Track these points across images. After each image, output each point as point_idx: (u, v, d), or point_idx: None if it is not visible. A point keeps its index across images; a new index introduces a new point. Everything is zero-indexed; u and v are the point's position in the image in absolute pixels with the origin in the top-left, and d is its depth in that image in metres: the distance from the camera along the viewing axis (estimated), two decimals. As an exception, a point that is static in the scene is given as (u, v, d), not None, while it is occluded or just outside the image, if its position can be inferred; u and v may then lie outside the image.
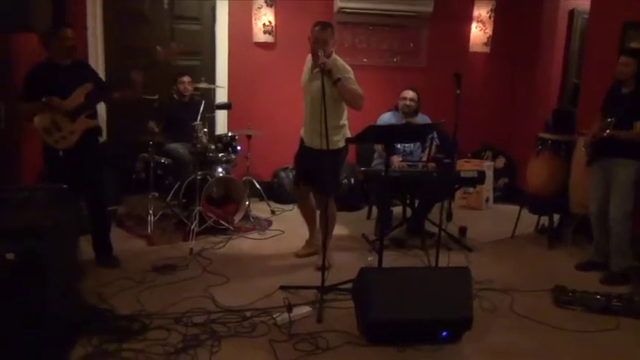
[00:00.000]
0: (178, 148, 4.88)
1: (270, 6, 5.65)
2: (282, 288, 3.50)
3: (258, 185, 5.36)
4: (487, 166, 5.79)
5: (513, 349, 2.94)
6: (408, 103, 4.69)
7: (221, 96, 5.70)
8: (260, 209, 5.29)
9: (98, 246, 3.83)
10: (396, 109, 4.84)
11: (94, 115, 3.76)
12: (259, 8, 5.65)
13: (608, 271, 3.91)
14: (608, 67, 4.03)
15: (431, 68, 6.00)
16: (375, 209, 5.22)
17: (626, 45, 4.44)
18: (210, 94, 5.62)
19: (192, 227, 4.32)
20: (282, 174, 5.70)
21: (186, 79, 5.07)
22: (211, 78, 5.64)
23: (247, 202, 4.92)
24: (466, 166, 5.50)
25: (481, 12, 6.08)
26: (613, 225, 3.84)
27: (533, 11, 5.98)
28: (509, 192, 6.07)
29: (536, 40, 5.99)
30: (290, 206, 5.42)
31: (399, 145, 4.73)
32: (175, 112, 5.02)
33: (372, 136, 3.49)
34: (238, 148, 4.93)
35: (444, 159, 4.56)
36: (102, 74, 5.43)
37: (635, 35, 4.43)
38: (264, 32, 5.70)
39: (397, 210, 5.03)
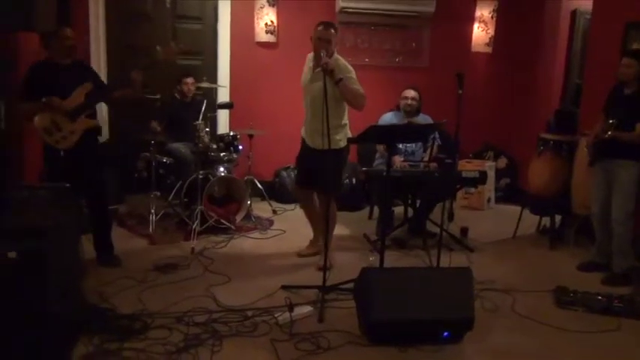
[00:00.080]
0: (180, 147, 4.89)
1: (273, 6, 5.66)
2: (284, 288, 3.50)
3: (259, 185, 5.36)
4: (489, 166, 5.78)
5: (515, 349, 2.94)
6: (409, 102, 4.69)
7: (223, 95, 5.71)
8: (261, 209, 5.30)
9: (99, 245, 3.83)
10: (397, 109, 4.84)
11: (93, 114, 3.75)
12: (261, 8, 5.65)
13: (610, 272, 3.91)
14: (611, 68, 4.02)
15: (433, 68, 6.00)
16: (376, 209, 5.22)
17: (628, 46, 4.44)
18: (212, 93, 5.63)
19: (193, 226, 4.32)
20: (284, 173, 5.71)
21: (189, 80, 5.07)
22: (213, 77, 5.65)
23: (249, 202, 4.93)
24: (468, 167, 5.50)
25: (483, 12, 6.07)
26: (615, 226, 3.84)
27: (535, 11, 5.98)
28: (511, 192, 6.07)
29: (539, 41, 5.99)
30: (291, 206, 5.42)
31: (400, 145, 4.72)
32: (177, 111, 5.02)
33: (373, 136, 3.48)
34: (240, 147, 4.93)
35: (445, 159, 4.56)
36: (104, 74, 5.46)
37: (637, 36, 4.43)
38: (266, 32, 5.70)
39: (398, 210, 5.02)
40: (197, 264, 3.89)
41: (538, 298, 3.56)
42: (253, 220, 4.95)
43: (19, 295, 2.26)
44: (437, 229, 4.07)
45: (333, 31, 3.62)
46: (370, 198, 5.44)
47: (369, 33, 5.93)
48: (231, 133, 4.97)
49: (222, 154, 4.77)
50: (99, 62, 5.46)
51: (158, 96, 4.96)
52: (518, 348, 2.95)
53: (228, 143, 4.86)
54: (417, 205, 4.74)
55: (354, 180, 5.57)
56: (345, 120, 3.82)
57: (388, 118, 4.80)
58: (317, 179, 3.83)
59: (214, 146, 4.77)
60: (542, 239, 4.77)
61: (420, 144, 4.83)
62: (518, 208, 4.95)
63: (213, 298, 3.31)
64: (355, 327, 2.97)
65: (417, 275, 3.08)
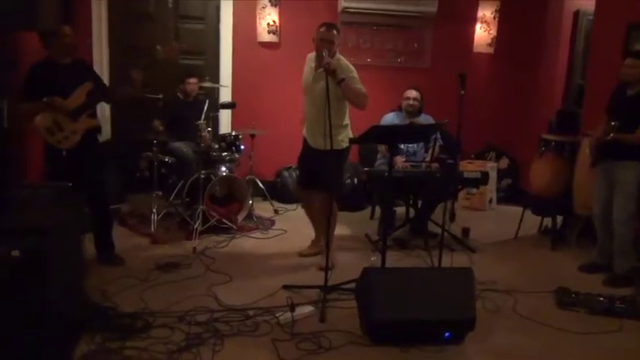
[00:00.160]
0: (182, 147, 4.89)
1: (275, 6, 5.66)
2: (285, 287, 3.50)
3: (261, 184, 5.37)
4: (490, 166, 5.78)
5: (516, 350, 2.94)
6: (411, 102, 4.69)
7: (225, 95, 5.72)
8: (263, 208, 5.30)
9: (100, 245, 3.83)
10: (399, 109, 4.84)
11: (94, 114, 3.75)
12: (263, 8, 5.66)
13: (612, 273, 3.91)
14: (613, 69, 4.03)
15: (435, 69, 6.00)
16: (377, 209, 5.22)
17: (630, 46, 4.43)
18: (214, 93, 5.63)
19: (195, 226, 4.33)
20: (286, 173, 5.71)
21: (193, 80, 5.08)
22: (215, 77, 5.66)
23: (250, 202, 4.93)
24: (469, 167, 5.49)
25: (485, 13, 6.07)
26: (616, 226, 3.84)
27: (537, 12, 5.98)
28: (513, 193, 6.07)
29: (541, 41, 5.99)
30: (293, 206, 5.43)
31: (402, 146, 4.73)
32: (179, 111, 5.03)
33: (375, 136, 3.48)
34: (242, 147, 4.94)
35: (447, 159, 4.56)
36: (106, 74, 5.47)
37: (639, 37, 4.42)
38: (269, 32, 5.71)
39: (400, 210, 5.02)
40: (199, 263, 3.90)
41: (539, 298, 3.56)
42: (255, 219, 4.95)
43: (21, 294, 2.26)
44: (438, 230, 4.07)
45: (335, 32, 3.62)
46: (371, 198, 5.44)
47: (371, 33, 5.94)
48: (233, 133, 4.98)
49: (224, 154, 4.78)
50: (101, 62, 5.48)
51: (160, 95, 4.97)
52: (520, 349, 2.95)
53: (230, 143, 4.87)
54: (419, 205, 4.74)
55: (355, 180, 5.57)
56: (347, 120, 3.83)
57: (390, 118, 4.80)
58: (319, 179, 3.83)
59: (216, 146, 4.78)
60: (543, 240, 4.77)
61: (421, 144, 4.83)
62: (519, 209, 4.95)
63: (215, 298, 3.31)
64: (357, 327, 2.97)
65: (418, 275, 3.08)
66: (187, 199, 4.71)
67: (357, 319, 2.99)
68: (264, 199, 5.44)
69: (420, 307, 2.82)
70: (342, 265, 3.91)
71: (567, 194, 4.56)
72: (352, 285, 3.25)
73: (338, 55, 3.67)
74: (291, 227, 4.80)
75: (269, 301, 3.29)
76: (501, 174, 6.13)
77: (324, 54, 3.45)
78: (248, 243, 4.45)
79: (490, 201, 5.91)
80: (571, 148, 4.67)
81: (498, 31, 6.11)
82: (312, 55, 3.82)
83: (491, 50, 6.16)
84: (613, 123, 3.68)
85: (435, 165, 4.57)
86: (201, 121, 4.58)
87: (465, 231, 4.74)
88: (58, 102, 3.46)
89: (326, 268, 3.33)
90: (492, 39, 6.12)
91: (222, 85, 5.65)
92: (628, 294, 3.56)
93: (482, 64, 6.19)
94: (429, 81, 5.65)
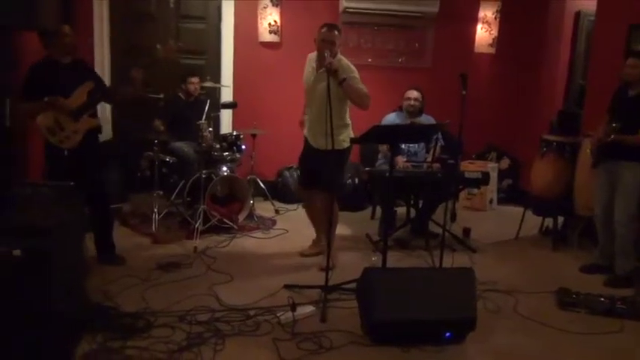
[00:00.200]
0: (183, 146, 4.90)
1: (276, 6, 5.67)
2: (286, 287, 3.50)
3: (262, 184, 5.37)
4: (491, 167, 5.78)
5: (517, 350, 2.94)
6: (412, 103, 4.70)
7: (226, 95, 5.72)
8: (264, 208, 5.30)
9: (101, 245, 3.82)
10: (400, 109, 4.84)
11: (94, 113, 3.74)
12: (265, 8, 5.66)
13: (613, 274, 3.91)
14: (614, 69, 4.02)
15: (436, 69, 6.00)
16: (378, 209, 5.22)
17: (631, 47, 4.43)
18: (215, 93, 5.64)
19: (196, 226, 4.33)
20: (287, 173, 5.71)
21: (195, 79, 5.08)
22: (216, 77, 5.66)
23: (251, 201, 4.93)
24: (470, 167, 5.50)
25: (487, 13, 6.07)
26: (617, 227, 3.84)
27: (538, 13, 5.98)
28: (513, 193, 6.07)
29: (542, 42, 5.99)
30: (294, 206, 5.43)
31: (403, 146, 4.73)
32: (181, 110, 5.03)
33: (376, 136, 3.49)
34: (243, 147, 4.94)
35: (448, 160, 4.56)
36: (108, 74, 5.48)
37: (641, 37, 4.43)
38: (270, 32, 5.71)
39: (401, 210, 5.02)
40: (200, 263, 3.90)
41: (540, 299, 3.56)
42: (256, 219, 4.96)
43: (22, 293, 2.27)
44: (439, 230, 4.07)
45: (336, 32, 3.62)
46: (372, 198, 5.44)
47: (373, 33, 5.94)
48: (234, 133, 4.99)
49: (225, 154, 4.78)
50: (103, 62, 5.49)
51: (161, 95, 4.97)
52: (521, 349, 2.95)
53: (231, 143, 4.87)
54: (420, 205, 4.74)
55: (356, 180, 5.57)
56: (348, 120, 3.83)
57: (391, 118, 4.81)
58: (320, 179, 3.83)
59: (217, 146, 4.78)
60: (544, 240, 4.77)
61: (422, 144, 4.83)
62: (520, 209, 4.95)
63: (216, 297, 3.32)
64: (357, 327, 2.98)
65: (419, 275, 3.08)
66: (188, 199, 4.72)
67: (358, 319, 2.99)
68: (265, 198, 5.45)
69: (421, 307, 2.83)
70: (343, 265, 3.91)
71: (568, 195, 4.56)
72: (353, 285, 3.25)
73: (339, 56, 3.67)
74: (292, 227, 4.81)
75: (270, 300, 3.29)
76: (502, 174, 6.13)
77: (325, 54, 3.45)
78: (249, 243, 4.45)
79: (491, 201, 5.91)
80: (572, 148, 4.66)
81: (499, 31, 6.11)
82: (312, 56, 3.82)
83: (492, 50, 6.16)
84: (614, 125, 3.68)
85: (436, 165, 4.57)
86: (203, 121, 4.58)
87: (466, 231, 4.74)
88: (60, 101, 3.46)
89: (327, 268, 3.34)
90: (493, 39, 6.12)
91: (223, 85, 5.65)
92: (629, 295, 3.56)
93: (483, 64, 6.19)
94: (430, 81, 5.66)
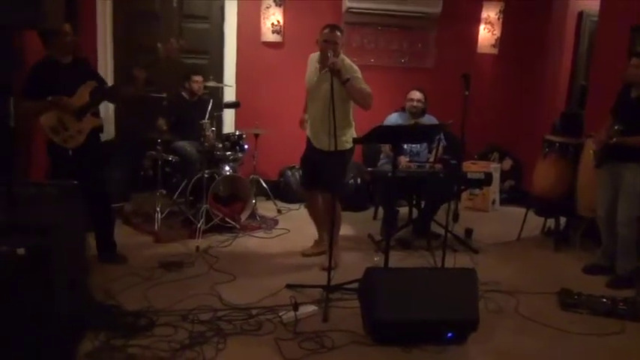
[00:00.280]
0: (186, 146, 4.90)
1: (279, 6, 5.67)
2: (288, 286, 3.51)
3: (264, 184, 5.38)
4: (494, 167, 5.78)
5: (518, 351, 2.94)
6: (415, 104, 4.70)
7: (229, 95, 5.73)
8: (266, 208, 5.31)
9: (102, 244, 3.83)
10: (402, 109, 4.85)
11: (97, 113, 3.74)
12: (268, 8, 5.67)
13: (615, 275, 3.91)
14: (617, 70, 4.02)
15: (438, 69, 6.00)
16: (380, 210, 5.22)
17: (635, 48, 4.42)
18: (218, 92, 5.64)
19: (198, 225, 4.34)
20: (289, 173, 5.72)
21: (198, 78, 5.08)
22: (219, 77, 5.67)
23: (254, 201, 4.94)
24: (473, 168, 5.50)
25: (489, 13, 6.07)
26: (620, 228, 3.84)
27: (541, 13, 5.98)
28: (516, 194, 6.07)
29: (545, 42, 5.99)
30: (296, 205, 5.44)
31: (405, 146, 4.73)
32: (184, 110, 5.04)
33: (379, 136, 3.49)
34: (245, 146, 4.95)
35: (450, 160, 4.56)
36: (111, 73, 5.49)
37: (643, 38, 4.43)
38: (273, 32, 5.72)
39: (403, 211, 5.02)
40: (202, 262, 3.91)
41: (542, 300, 3.56)
42: (258, 219, 4.97)
43: (25, 291, 2.27)
44: (441, 230, 4.08)
45: (339, 33, 3.62)
46: (375, 198, 5.44)
47: (375, 33, 5.94)
48: (237, 133, 4.99)
49: (227, 153, 4.79)
50: (106, 61, 5.50)
51: (164, 95, 4.98)
52: (522, 349, 2.95)
53: (233, 142, 4.88)
54: (422, 205, 4.74)
55: (358, 180, 5.58)
56: (351, 121, 3.83)
57: (394, 118, 4.81)
58: (322, 180, 3.84)
59: (220, 145, 4.78)
60: (546, 241, 4.77)
61: (425, 145, 4.84)
62: (522, 210, 4.95)
63: (218, 297, 3.32)
64: (359, 327, 2.98)
65: (421, 276, 3.08)
66: (191, 198, 4.72)
67: (360, 318, 3.00)
68: (268, 198, 5.45)
69: (423, 307, 2.83)
70: (345, 265, 3.92)
71: (571, 196, 4.56)
72: (355, 285, 3.26)
73: (342, 56, 3.67)
74: (294, 227, 4.81)
75: (272, 300, 3.30)
76: (504, 175, 6.13)
77: (329, 54, 3.45)
78: (251, 242, 4.46)
79: (493, 202, 5.91)
80: (575, 149, 4.66)
81: (502, 32, 6.10)
82: (314, 56, 3.82)
83: (495, 51, 6.16)
84: (616, 127, 3.68)
85: (439, 165, 4.57)
86: (205, 121, 4.58)
87: (468, 232, 4.75)
88: (64, 101, 3.46)
89: (329, 268, 3.34)
90: (496, 40, 6.12)
91: (226, 85, 5.66)
92: (630, 296, 3.56)
93: (486, 64, 6.19)
94: (432, 81, 5.66)
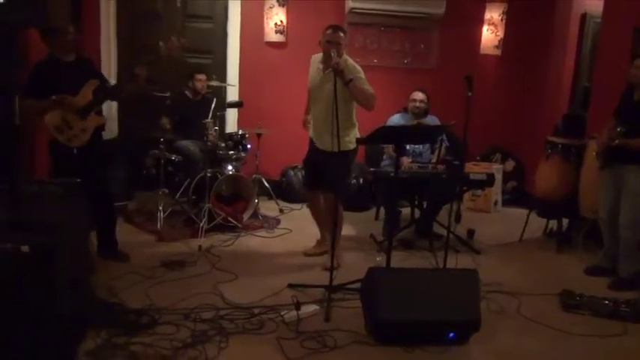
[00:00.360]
0: (189, 145, 4.91)
1: (282, 6, 5.68)
2: (291, 286, 3.51)
3: (267, 184, 5.39)
4: (496, 168, 5.78)
5: (520, 352, 2.94)
6: (417, 105, 4.71)
7: (232, 94, 5.74)
8: (268, 208, 5.32)
9: (103, 242, 3.83)
10: (405, 110, 4.85)
11: (100, 111, 3.75)
12: (271, 8, 5.68)
13: (617, 277, 3.90)
14: (620, 72, 4.02)
15: (441, 70, 6.00)
16: (383, 210, 5.23)
17: (638, 49, 4.41)
18: (221, 92, 5.65)
19: (201, 224, 4.35)
20: (291, 173, 5.73)
21: (201, 76, 5.09)
22: (222, 76, 5.68)
23: (256, 201, 4.95)
24: (475, 169, 5.50)
25: (493, 14, 6.07)
26: (622, 230, 3.83)
27: (544, 14, 5.97)
28: (518, 195, 6.06)
29: (548, 44, 5.98)
30: (298, 205, 5.45)
31: (408, 147, 4.73)
32: (187, 109, 5.05)
33: (382, 137, 3.49)
34: (248, 146, 4.96)
35: (453, 161, 4.56)
36: (114, 72, 5.50)
37: (647, 40, 4.42)
38: (276, 32, 5.73)
39: (405, 211, 5.03)
40: (204, 261, 3.91)
41: (544, 301, 3.56)
42: (260, 218, 4.98)
43: (28, 289, 2.28)
44: (444, 231, 4.08)
45: (341, 34, 3.62)
46: (377, 199, 5.44)
47: (379, 34, 5.94)
48: (240, 132, 4.99)
49: (230, 153, 4.80)
50: (109, 60, 5.51)
51: (168, 94, 4.99)
52: (524, 350, 2.95)
53: (236, 142, 4.88)
54: (424, 206, 4.74)
55: (361, 180, 5.58)
56: (354, 121, 3.83)
57: (396, 119, 4.82)
58: (325, 180, 3.84)
59: (223, 145, 4.79)
60: (549, 242, 4.77)
61: (427, 145, 4.84)
62: (524, 211, 4.95)
63: (220, 296, 3.33)
64: (361, 327, 2.98)
65: (423, 276, 3.09)
66: (193, 197, 4.73)
67: (362, 318, 3.00)
68: (270, 198, 5.46)
69: (425, 307, 2.83)
70: (347, 265, 3.92)
71: (573, 197, 4.55)
72: (357, 285, 3.26)
73: (345, 56, 3.67)
74: (297, 226, 4.82)
75: (274, 299, 3.31)
76: (507, 176, 6.13)
77: (332, 54, 3.45)
78: (253, 242, 4.46)
79: (495, 203, 5.91)
80: (577, 151, 4.66)
81: (505, 33, 6.10)
82: (316, 57, 3.83)
83: (498, 52, 6.16)
84: (618, 129, 3.68)
85: (441, 166, 4.57)
86: (208, 120, 4.59)
87: (470, 232, 4.75)
88: (68, 100, 3.46)
89: (331, 268, 3.34)
90: (499, 41, 6.12)
91: (229, 84, 5.67)
92: (633, 298, 3.56)
93: (489, 66, 6.19)
94: (435, 82, 5.66)
